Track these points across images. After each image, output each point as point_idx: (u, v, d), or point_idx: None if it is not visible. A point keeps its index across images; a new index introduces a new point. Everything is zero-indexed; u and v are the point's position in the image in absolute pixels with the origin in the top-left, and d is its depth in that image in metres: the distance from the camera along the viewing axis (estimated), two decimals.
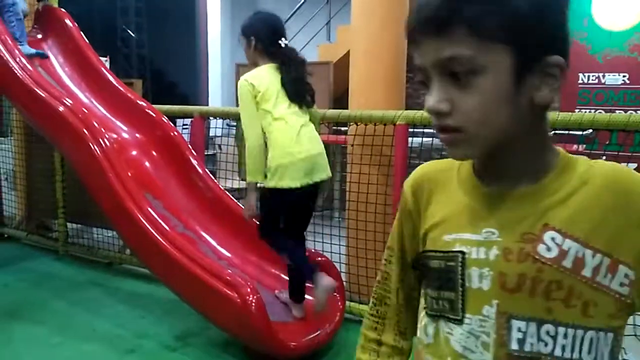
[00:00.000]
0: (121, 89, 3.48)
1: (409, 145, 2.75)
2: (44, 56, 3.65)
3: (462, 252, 0.67)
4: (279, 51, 2.32)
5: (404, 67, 3.00)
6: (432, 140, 2.82)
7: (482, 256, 0.65)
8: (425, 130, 2.72)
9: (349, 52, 3.25)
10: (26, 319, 2.89)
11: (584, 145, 2.82)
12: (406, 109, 2.75)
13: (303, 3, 6.76)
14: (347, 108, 2.95)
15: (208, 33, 9.66)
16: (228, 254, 2.76)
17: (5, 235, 4.56)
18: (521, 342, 0.63)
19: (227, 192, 3.03)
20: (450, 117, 0.61)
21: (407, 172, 2.60)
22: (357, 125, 2.77)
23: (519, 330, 0.63)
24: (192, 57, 9.93)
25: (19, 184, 4.56)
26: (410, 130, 2.67)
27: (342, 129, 3.81)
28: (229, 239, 2.83)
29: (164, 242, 2.41)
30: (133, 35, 9.77)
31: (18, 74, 3.05)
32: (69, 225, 4.17)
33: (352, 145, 2.89)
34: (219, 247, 2.80)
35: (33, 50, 3.54)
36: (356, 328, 0.97)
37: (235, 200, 2.96)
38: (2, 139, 4.68)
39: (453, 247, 0.68)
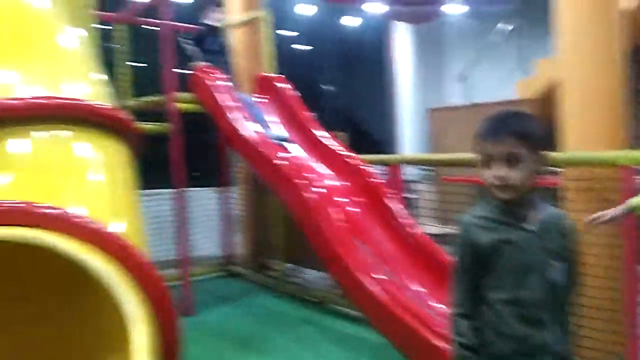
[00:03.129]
0: (326, 140, 3.82)
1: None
2: (284, 142, 3.94)
3: None
4: None
5: (624, 98, 2.71)
6: None
7: None
8: None
9: (552, 87, 3.05)
10: (256, 350, 3.25)
11: None
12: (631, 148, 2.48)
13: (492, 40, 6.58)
14: (553, 147, 2.76)
15: (398, 79, 9.96)
16: (435, 303, 2.76)
17: (234, 273, 5.22)
18: None
19: (430, 238, 3.05)
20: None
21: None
22: (572, 168, 2.57)
23: None
24: (382, 103, 10.29)
25: (245, 227, 5.22)
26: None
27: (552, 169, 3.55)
28: (435, 286, 2.82)
29: (374, 288, 2.52)
30: (330, 88, 10.54)
31: (248, 139, 3.59)
32: (285, 265, 4.61)
33: (568, 191, 2.68)
34: (425, 295, 2.81)
35: (276, 135, 3.95)
36: None
37: (439, 247, 2.97)
38: (232, 188, 5.42)
39: None
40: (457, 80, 8.30)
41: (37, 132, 1.66)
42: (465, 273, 1.28)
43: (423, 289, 2.82)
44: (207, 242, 5.17)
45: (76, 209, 1.50)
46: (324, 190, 3.23)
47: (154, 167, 3.64)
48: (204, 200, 5.13)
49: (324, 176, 3.60)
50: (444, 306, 2.59)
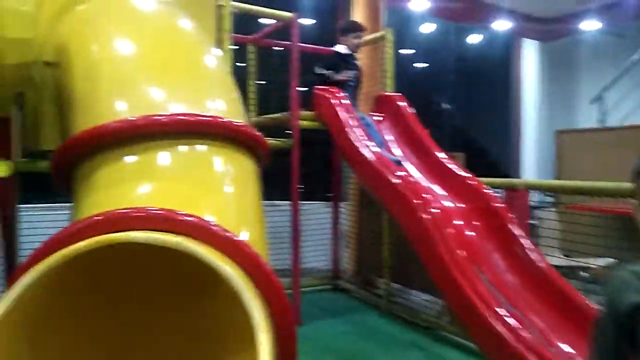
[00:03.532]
0: (443, 160, 3.72)
1: None
2: (399, 163, 3.93)
3: None
4: None
5: None
6: None
7: None
8: None
9: None
10: None
11: None
12: None
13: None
14: None
15: (523, 99, 9.47)
16: (559, 343, 2.56)
17: (340, 287, 5.25)
18: None
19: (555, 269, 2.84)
20: None
21: None
22: None
23: None
24: (504, 123, 9.84)
25: (352, 243, 5.25)
26: None
27: None
28: (559, 323, 2.62)
29: (495, 322, 2.40)
30: (449, 107, 10.30)
31: (365, 156, 3.62)
32: (391, 284, 4.56)
33: None
34: (547, 332, 2.61)
35: (392, 154, 3.97)
36: None
37: (566, 280, 2.75)
38: (343, 203, 5.49)
39: None
40: (590, 102, 7.71)
41: (179, 146, 1.80)
42: (608, 342, 1.07)
43: (547, 327, 2.63)
44: (316, 255, 5.26)
45: (210, 217, 1.60)
46: (440, 211, 3.15)
47: (272, 180, 3.81)
48: (316, 214, 5.25)
49: (441, 197, 3.51)
50: (570, 348, 2.40)
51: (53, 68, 2.10)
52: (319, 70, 4.35)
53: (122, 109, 1.79)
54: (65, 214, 3.70)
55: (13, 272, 1.41)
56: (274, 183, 4.45)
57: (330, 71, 4.32)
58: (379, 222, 4.65)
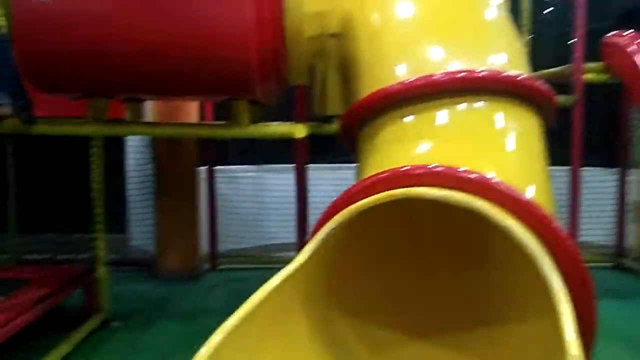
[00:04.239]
0: None
1: None
2: None
3: None
4: None
5: None
6: None
7: None
8: None
9: None
10: None
11: None
12: None
13: None
14: None
15: None
16: None
17: (624, 266, 4.59)
18: None
19: None
20: None
21: None
22: None
23: None
24: None
25: None
26: None
27: None
28: None
29: None
30: None
31: None
32: None
33: None
34: None
35: None
36: None
37: None
38: (631, 170, 4.73)
39: None
40: None
41: (459, 104, 1.76)
42: None
43: None
44: (595, 228, 4.69)
45: (491, 175, 1.52)
46: None
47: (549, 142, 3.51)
48: (596, 181, 4.65)
49: None
50: None
51: (337, 39, 2.28)
52: None
53: (402, 72, 1.84)
54: (341, 173, 4.07)
55: (316, 224, 1.58)
56: (551, 146, 4.09)
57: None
58: None
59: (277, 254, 4.71)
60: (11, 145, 4.18)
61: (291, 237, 3.93)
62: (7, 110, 2.47)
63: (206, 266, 4.80)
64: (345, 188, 1.64)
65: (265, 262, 4.67)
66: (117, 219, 4.56)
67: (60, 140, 3.85)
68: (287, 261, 1.49)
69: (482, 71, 1.77)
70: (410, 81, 1.77)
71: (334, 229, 1.48)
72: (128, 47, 2.30)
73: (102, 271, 3.57)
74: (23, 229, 4.38)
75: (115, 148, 4.46)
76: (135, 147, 4.78)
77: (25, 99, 2.73)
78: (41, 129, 2.86)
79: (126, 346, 3.22)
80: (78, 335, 3.23)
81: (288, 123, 3.07)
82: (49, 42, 2.31)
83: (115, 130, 3.09)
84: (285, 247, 4.61)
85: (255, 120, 2.81)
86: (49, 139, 3.36)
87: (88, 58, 2.35)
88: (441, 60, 1.84)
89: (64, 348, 3.05)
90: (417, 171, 1.52)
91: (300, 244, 3.59)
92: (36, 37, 2.30)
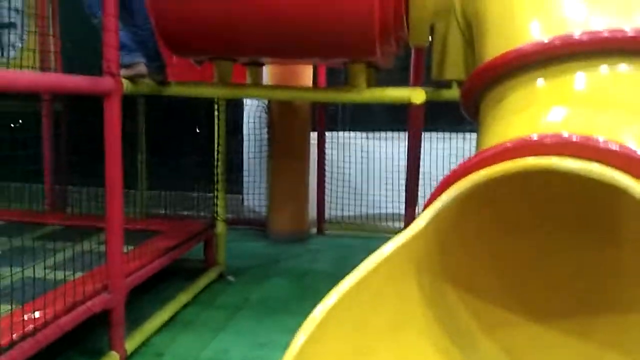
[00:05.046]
0: None
1: None
2: None
3: None
4: None
5: None
6: None
7: None
8: None
9: None
10: None
11: None
12: None
13: None
14: None
15: None
16: None
17: None
18: None
19: None
20: None
21: None
22: None
23: None
24: None
25: None
26: None
27: None
28: None
29: None
30: None
31: None
32: None
33: None
34: None
35: None
36: None
37: None
38: None
39: None
40: None
41: (600, 66, 1.59)
42: None
43: None
44: None
45: (636, 147, 1.36)
46: None
47: None
48: None
49: None
50: None
51: None
52: None
53: (537, 30, 1.69)
54: (453, 142, 3.89)
55: (432, 193, 1.53)
56: None
57: None
58: None
59: (383, 224, 4.71)
60: (143, 106, 4.51)
61: (398, 207, 3.87)
62: (143, 69, 2.64)
63: (313, 230, 4.92)
64: (457, 158, 1.56)
65: (371, 230, 4.69)
66: (233, 180, 4.80)
67: (185, 104, 4.08)
68: (393, 231, 1.46)
69: (629, 30, 1.57)
70: (548, 41, 1.61)
71: (454, 198, 1.42)
72: (258, 11, 2.36)
73: (221, 228, 3.80)
74: (150, 186, 4.77)
75: (234, 112, 4.65)
76: (251, 111, 4.96)
77: (161, 61, 2.91)
78: (173, 90, 3.03)
79: (240, 299, 3.42)
80: (197, 286, 3.49)
81: (406, 87, 2.98)
82: (184, 7, 2.43)
83: (238, 92, 3.21)
84: (390, 216, 4.58)
85: (371, 84, 2.77)
86: (175, 102, 3.56)
87: (220, 23, 2.45)
88: (582, 17, 1.66)
89: (186, 296, 3.32)
90: (550, 140, 1.39)
91: (410, 213, 3.54)
92: (172, 3, 2.44)
